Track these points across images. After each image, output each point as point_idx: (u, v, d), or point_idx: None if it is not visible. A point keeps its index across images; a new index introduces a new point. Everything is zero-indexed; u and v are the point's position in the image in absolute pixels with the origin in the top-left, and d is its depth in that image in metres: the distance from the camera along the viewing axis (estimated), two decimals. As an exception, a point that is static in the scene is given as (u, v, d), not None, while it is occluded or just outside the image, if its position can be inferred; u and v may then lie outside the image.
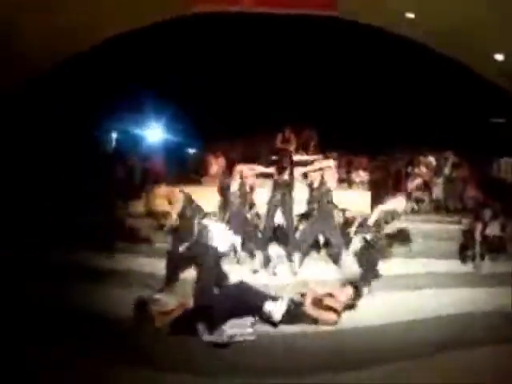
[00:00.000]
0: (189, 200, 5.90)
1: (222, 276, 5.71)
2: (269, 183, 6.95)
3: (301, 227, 6.97)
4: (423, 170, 10.47)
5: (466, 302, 5.82)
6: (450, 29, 10.86)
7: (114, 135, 16.71)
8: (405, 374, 4.21)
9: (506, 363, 4.34)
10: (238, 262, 6.52)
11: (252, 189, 6.93)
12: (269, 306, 4.85)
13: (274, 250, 6.87)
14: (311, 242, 6.66)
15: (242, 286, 5.09)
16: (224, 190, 7.37)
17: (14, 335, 4.61)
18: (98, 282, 6.04)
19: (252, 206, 6.98)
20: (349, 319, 5.24)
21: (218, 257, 5.72)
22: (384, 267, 6.46)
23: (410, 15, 11.14)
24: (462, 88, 12.79)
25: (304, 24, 12.29)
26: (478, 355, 4.45)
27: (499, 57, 10.71)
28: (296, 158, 9.63)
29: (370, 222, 6.25)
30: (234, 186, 6.73)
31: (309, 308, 5.05)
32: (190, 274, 5.87)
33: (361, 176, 10.52)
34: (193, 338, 4.66)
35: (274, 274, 6.34)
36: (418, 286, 6.22)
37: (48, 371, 4.07)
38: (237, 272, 6.05)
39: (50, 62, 11.01)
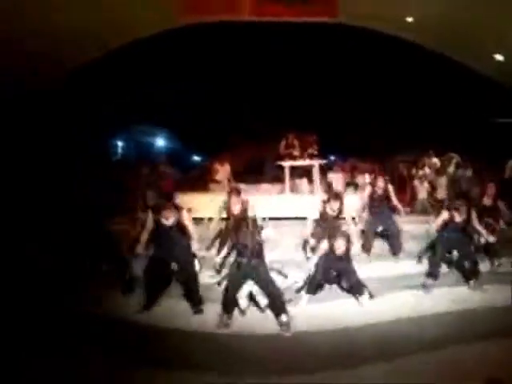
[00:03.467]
0: None
1: None
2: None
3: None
4: (427, 171, 10.56)
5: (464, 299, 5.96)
6: (451, 31, 11.01)
7: (121, 144, 16.99)
8: (410, 368, 4.36)
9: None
10: None
11: None
12: None
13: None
14: None
15: None
16: None
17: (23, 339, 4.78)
18: (102, 287, 6.15)
19: None
20: (353, 317, 5.43)
21: None
22: (384, 268, 6.69)
23: (410, 19, 11.29)
24: (464, 89, 12.90)
25: (305, 30, 12.46)
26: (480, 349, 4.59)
27: (499, 57, 10.82)
28: (299, 162, 9.86)
29: None
30: None
31: None
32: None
33: (365, 179, 10.60)
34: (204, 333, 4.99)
35: None
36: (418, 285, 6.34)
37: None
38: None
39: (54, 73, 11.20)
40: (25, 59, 9.74)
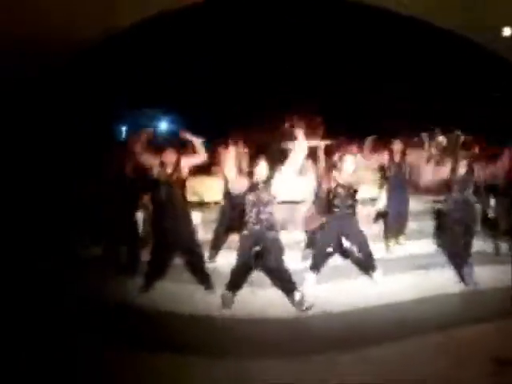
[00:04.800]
0: None
1: None
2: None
3: None
4: (433, 150, 10.44)
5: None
6: (458, 5, 10.72)
7: (125, 127, 16.91)
8: (418, 349, 4.33)
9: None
10: None
11: None
12: None
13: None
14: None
15: None
16: None
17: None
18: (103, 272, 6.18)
19: None
20: (363, 298, 5.44)
21: None
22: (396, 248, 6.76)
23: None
24: (471, 66, 12.66)
25: (306, 8, 12.25)
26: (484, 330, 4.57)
27: (507, 31, 10.54)
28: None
29: None
30: None
31: None
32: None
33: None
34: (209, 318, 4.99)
35: None
36: (427, 265, 6.30)
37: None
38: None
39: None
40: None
